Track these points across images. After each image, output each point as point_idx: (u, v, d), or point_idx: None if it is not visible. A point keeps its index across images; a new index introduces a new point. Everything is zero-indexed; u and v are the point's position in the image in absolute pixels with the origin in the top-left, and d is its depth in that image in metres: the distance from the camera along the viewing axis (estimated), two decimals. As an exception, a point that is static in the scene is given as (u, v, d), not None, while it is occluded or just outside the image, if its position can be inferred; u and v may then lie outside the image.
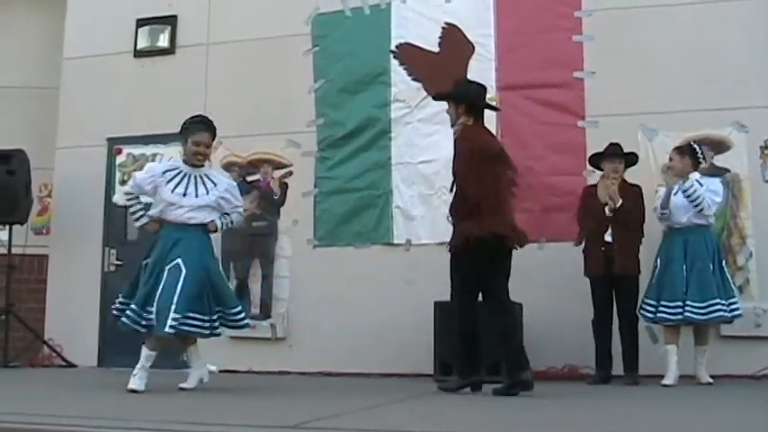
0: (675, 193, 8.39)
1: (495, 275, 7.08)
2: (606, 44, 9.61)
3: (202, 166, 7.33)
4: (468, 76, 9.96)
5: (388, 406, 6.05)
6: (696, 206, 8.25)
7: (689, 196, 8.24)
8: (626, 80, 9.47)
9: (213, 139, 7.41)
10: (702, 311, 8.08)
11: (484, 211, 6.98)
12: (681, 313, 8.12)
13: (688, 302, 8.11)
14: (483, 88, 7.57)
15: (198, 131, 7.15)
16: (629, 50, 9.57)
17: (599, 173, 8.90)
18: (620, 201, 8.49)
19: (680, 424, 5.28)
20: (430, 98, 10.07)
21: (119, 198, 11.06)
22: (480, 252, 6.97)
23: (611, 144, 8.73)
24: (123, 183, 11.06)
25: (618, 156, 8.71)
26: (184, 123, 7.35)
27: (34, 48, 12.28)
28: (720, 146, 9.17)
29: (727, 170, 9.13)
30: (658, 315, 8.26)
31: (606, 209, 8.53)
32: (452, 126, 7.31)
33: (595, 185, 8.83)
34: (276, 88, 10.51)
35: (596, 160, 8.86)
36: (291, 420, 4.86)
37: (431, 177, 9.92)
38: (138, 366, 6.91)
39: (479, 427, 4.75)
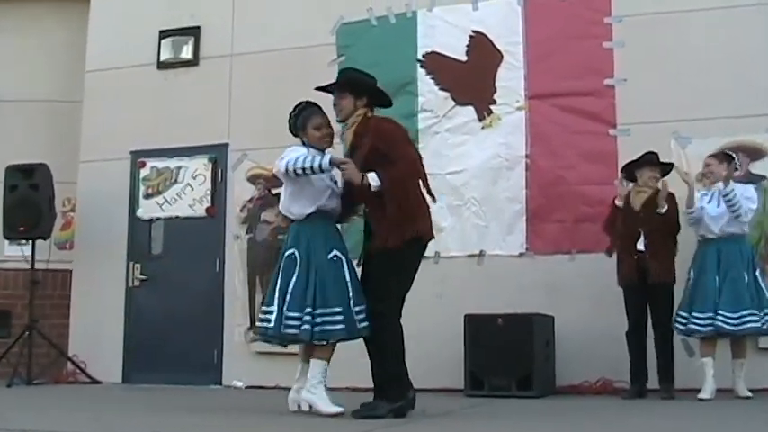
0: (709, 202, 8.35)
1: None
2: (637, 50, 9.56)
3: (331, 147, 6.82)
4: (497, 85, 10.02)
5: (416, 422, 6.05)
6: (734, 212, 8.19)
7: (729, 200, 8.17)
8: (658, 87, 9.42)
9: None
10: (734, 322, 8.01)
11: (422, 202, 6.49)
12: (711, 324, 8.06)
13: (720, 312, 8.04)
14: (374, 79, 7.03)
15: (313, 115, 6.65)
16: (661, 56, 9.51)
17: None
18: (666, 206, 8.39)
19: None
20: (458, 108, 10.16)
21: (143, 212, 11.17)
22: (421, 252, 6.50)
23: (648, 153, 8.65)
24: (148, 196, 11.15)
25: (656, 164, 8.63)
26: (293, 114, 6.80)
27: (57, 61, 12.37)
28: (756, 153, 9.07)
29: (764, 177, 9.03)
30: (689, 326, 8.21)
31: (617, 200, 8.60)
32: (342, 121, 6.57)
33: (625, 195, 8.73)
34: (301, 99, 10.52)
35: (630, 169, 8.74)
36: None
37: (460, 188, 9.93)
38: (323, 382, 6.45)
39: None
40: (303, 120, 6.63)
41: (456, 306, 9.17)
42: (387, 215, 6.19)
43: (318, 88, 6.73)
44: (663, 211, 8.37)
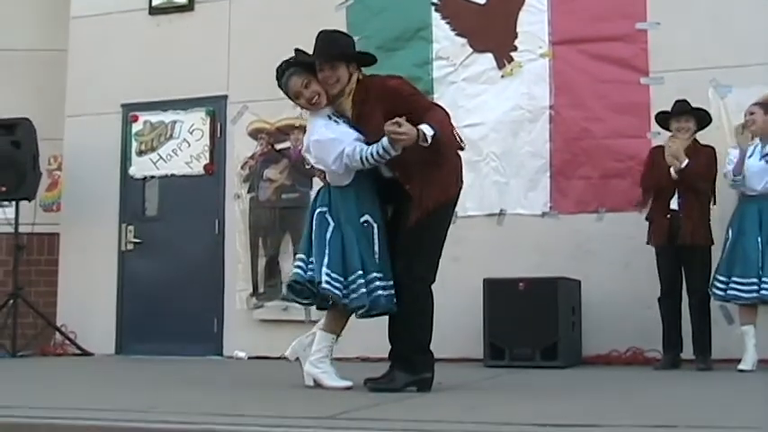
0: (750, 156, 8.29)
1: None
2: (672, -10, 9.51)
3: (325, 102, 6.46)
4: (518, 30, 9.98)
5: (432, 395, 6.04)
6: (779, 169, 8.17)
7: None
8: (695, 30, 9.37)
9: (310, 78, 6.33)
10: (781, 288, 8.00)
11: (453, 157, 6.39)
12: (756, 291, 8.03)
13: (764, 279, 8.01)
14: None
15: (290, 83, 6.32)
16: (699, -3, 9.47)
17: (666, 134, 8.76)
18: (686, 160, 8.33)
19: (758, 413, 5.24)
20: (476, 55, 10.14)
21: (136, 170, 11.20)
22: (451, 211, 6.47)
23: (678, 101, 8.60)
24: (141, 153, 11.17)
25: (685, 113, 8.57)
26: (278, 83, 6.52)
27: (39, 6, 12.26)
28: (804, 104, 9.02)
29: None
30: (729, 292, 8.18)
31: (671, 170, 8.38)
32: (336, 92, 6.23)
33: (660, 146, 8.71)
34: (306, 47, 10.40)
35: (664, 119, 8.71)
36: (327, 411, 4.89)
37: (478, 143, 9.86)
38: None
39: (538, 417, 4.74)
40: (285, 89, 6.41)
41: (474, 270, 9.20)
42: (437, 170, 6.13)
43: (299, 54, 6.39)
44: (683, 165, 8.31)
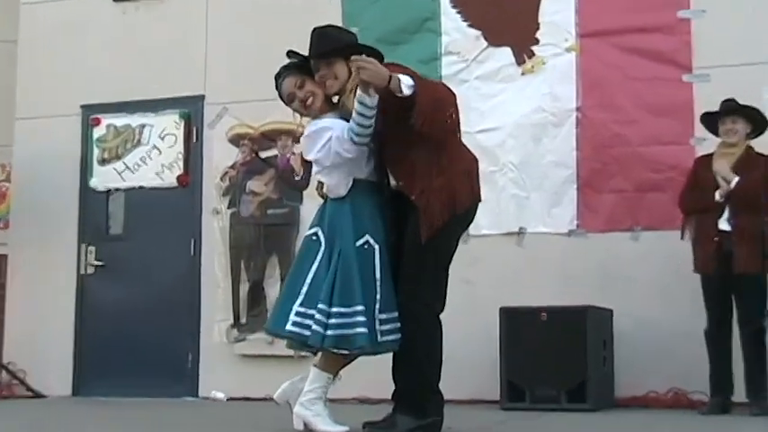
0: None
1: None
2: (720, -27, 9.54)
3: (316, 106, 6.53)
4: (540, 21, 9.99)
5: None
6: None
7: None
8: (747, 19, 9.38)
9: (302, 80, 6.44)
10: None
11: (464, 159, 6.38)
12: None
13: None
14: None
15: (282, 86, 6.43)
16: (751, -20, 9.50)
17: (714, 140, 8.70)
18: (736, 179, 8.28)
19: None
20: (492, 49, 10.17)
21: (98, 182, 11.19)
22: (465, 224, 6.49)
23: (725, 101, 8.57)
24: (104, 162, 11.16)
25: (733, 112, 8.51)
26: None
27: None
28: None
29: None
30: (789, 327, 8.19)
31: (717, 193, 8.33)
32: (334, 91, 6.32)
33: (710, 156, 8.64)
34: (296, 41, 10.39)
35: (710, 121, 8.66)
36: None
37: (494, 150, 9.90)
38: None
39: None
40: (280, 96, 6.45)
41: (489, 297, 9.23)
42: (443, 176, 6.08)
43: (292, 55, 6.44)
44: (732, 185, 8.27)
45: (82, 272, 11.14)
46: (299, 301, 6.12)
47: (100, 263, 11.07)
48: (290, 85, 6.32)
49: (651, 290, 9.24)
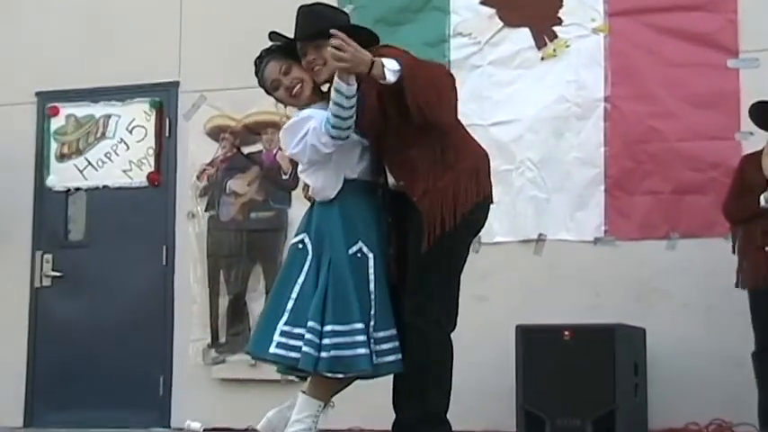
0: None
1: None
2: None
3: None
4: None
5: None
6: None
7: None
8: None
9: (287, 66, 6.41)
10: None
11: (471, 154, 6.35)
12: None
13: None
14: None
15: (265, 73, 6.38)
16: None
17: (764, 134, 8.55)
18: None
19: None
20: (508, 30, 10.28)
21: (56, 181, 11.20)
22: (475, 228, 6.41)
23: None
24: (63, 158, 11.19)
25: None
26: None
27: None
28: None
29: None
30: None
31: (762, 197, 8.24)
32: (324, 78, 6.26)
33: (758, 153, 8.50)
34: (284, 21, 10.24)
35: (762, 113, 8.51)
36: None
37: (509, 146, 9.89)
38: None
39: None
40: (262, 83, 6.40)
41: (505, 313, 9.22)
42: (448, 173, 6.02)
43: (275, 38, 6.43)
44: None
45: (36, 284, 11.11)
46: (284, 320, 6.04)
47: (57, 273, 11.04)
48: (275, 70, 6.24)
49: (690, 306, 9.25)
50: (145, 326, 10.73)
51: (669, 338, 9.12)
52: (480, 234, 6.35)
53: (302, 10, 6.27)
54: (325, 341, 5.90)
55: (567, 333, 8.66)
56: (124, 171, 10.99)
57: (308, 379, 6.26)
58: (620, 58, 9.73)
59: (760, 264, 8.28)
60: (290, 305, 6.04)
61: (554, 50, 9.95)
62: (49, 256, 11.06)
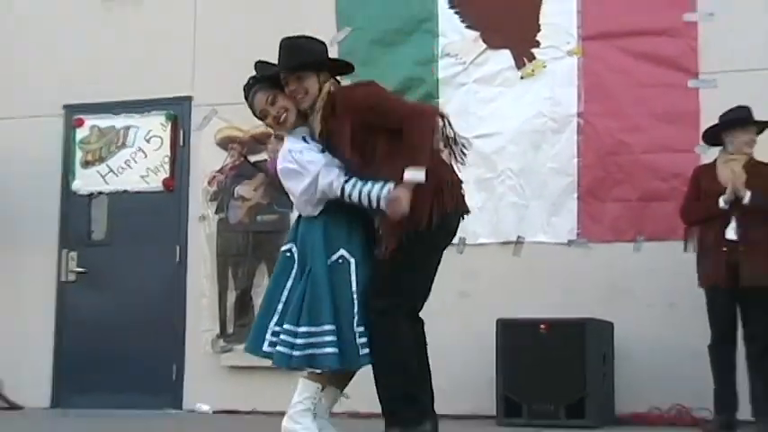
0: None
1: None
2: (728, -27, 9.54)
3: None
4: (541, 22, 10.04)
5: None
6: None
7: None
8: (755, 23, 9.39)
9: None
10: None
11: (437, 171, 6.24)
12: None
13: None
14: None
15: (254, 102, 6.33)
16: (760, -19, 9.48)
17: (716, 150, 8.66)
18: (749, 193, 8.21)
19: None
20: (491, 52, 10.17)
21: (80, 185, 11.21)
22: (446, 236, 6.44)
23: (739, 107, 8.47)
24: (87, 165, 11.17)
25: (751, 123, 8.44)
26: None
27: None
28: None
29: None
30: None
31: (721, 199, 8.24)
32: (307, 105, 6.24)
33: (710, 165, 8.60)
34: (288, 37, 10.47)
35: (712, 135, 8.61)
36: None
37: (492, 157, 9.96)
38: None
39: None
40: (252, 110, 6.42)
41: (486, 309, 9.24)
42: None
43: (260, 67, 6.43)
44: (746, 200, 8.21)
45: (62, 279, 11.14)
46: (274, 320, 6.16)
47: (81, 270, 11.08)
48: (262, 101, 6.28)
49: (654, 302, 9.28)
50: (159, 317, 10.77)
51: (635, 332, 9.15)
52: (465, 236, 6.32)
53: (284, 43, 6.29)
54: (299, 341, 5.98)
55: (542, 326, 8.74)
56: (142, 177, 11.05)
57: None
58: (592, 78, 9.79)
59: (717, 264, 8.28)
60: (279, 307, 6.14)
61: (532, 70, 9.99)
62: (74, 254, 11.13)
